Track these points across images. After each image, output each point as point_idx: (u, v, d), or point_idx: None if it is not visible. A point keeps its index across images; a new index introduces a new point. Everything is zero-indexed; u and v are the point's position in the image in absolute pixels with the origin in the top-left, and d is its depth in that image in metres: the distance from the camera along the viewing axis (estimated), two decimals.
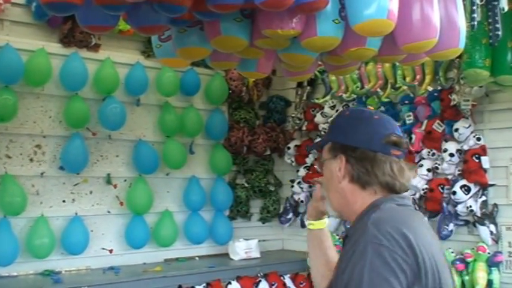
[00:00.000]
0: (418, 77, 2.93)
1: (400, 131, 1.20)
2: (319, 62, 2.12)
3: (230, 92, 3.40)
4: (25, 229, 2.68)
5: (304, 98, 3.58)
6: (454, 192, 2.69)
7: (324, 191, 1.27)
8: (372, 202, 1.14)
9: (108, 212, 2.98)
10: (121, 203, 3.00)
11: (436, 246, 1.10)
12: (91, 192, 2.93)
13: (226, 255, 3.27)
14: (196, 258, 3.22)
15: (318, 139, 3.49)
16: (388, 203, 1.12)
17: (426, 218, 2.87)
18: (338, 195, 1.20)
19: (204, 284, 2.84)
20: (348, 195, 1.17)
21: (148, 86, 3.07)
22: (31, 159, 2.75)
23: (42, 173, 2.75)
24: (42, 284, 2.49)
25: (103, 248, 2.93)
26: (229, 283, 2.93)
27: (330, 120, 3.33)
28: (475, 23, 1.95)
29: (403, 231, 1.02)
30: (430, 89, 2.89)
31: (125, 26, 2.86)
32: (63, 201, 2.83)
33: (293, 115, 3.62)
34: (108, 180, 2.97)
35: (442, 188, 2.78)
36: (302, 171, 3.50)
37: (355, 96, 3.26)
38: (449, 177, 2.80)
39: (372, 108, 2.90)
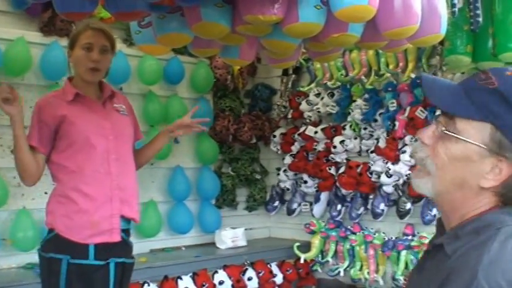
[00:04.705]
0: (401, 64, 2.94)
1: None
2: (303, 50, 2.11)
3: (215, 80, 3.37)
4: (7, 222, 2.63)
5: (289, 86, 3.58)
6: None
7: (430, 163, 0.85)
8: (488, 216, 0.83)
9: None
10: None
11: None
12: None
13: (213, 244, 3.27)
14: (183, 248, 3.22)
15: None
16: (509, 226, 0.81)
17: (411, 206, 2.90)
18: (455, 188, 0.84)
19: (191, 274, 2.84)
20: (471, 199, 0.84)
21: (131, 74, 3.02)
22: (12, 151, 2.69)
23: None
24: (24, 278, 2.46)
25: None
26: (216, 272, 2.93)
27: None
28: (456, 9, 1.96)
29: None
30: (413, 76, 2.90)
31: (105, 14, 2.79)
32: (45, 193, 2.77)
33: (278, 103, 3.61)
34: None
35: None
36: (288, 159, 3.50)
37: (339, 83, 3.27)
38: None
39: None
